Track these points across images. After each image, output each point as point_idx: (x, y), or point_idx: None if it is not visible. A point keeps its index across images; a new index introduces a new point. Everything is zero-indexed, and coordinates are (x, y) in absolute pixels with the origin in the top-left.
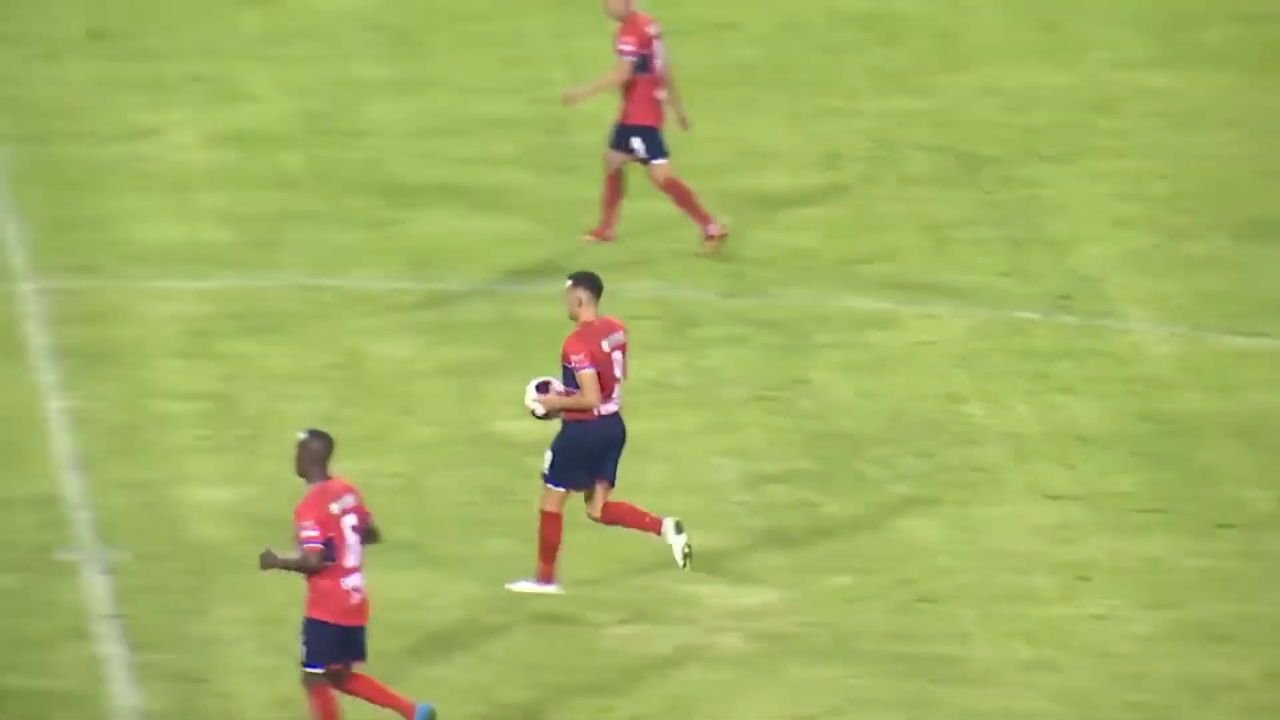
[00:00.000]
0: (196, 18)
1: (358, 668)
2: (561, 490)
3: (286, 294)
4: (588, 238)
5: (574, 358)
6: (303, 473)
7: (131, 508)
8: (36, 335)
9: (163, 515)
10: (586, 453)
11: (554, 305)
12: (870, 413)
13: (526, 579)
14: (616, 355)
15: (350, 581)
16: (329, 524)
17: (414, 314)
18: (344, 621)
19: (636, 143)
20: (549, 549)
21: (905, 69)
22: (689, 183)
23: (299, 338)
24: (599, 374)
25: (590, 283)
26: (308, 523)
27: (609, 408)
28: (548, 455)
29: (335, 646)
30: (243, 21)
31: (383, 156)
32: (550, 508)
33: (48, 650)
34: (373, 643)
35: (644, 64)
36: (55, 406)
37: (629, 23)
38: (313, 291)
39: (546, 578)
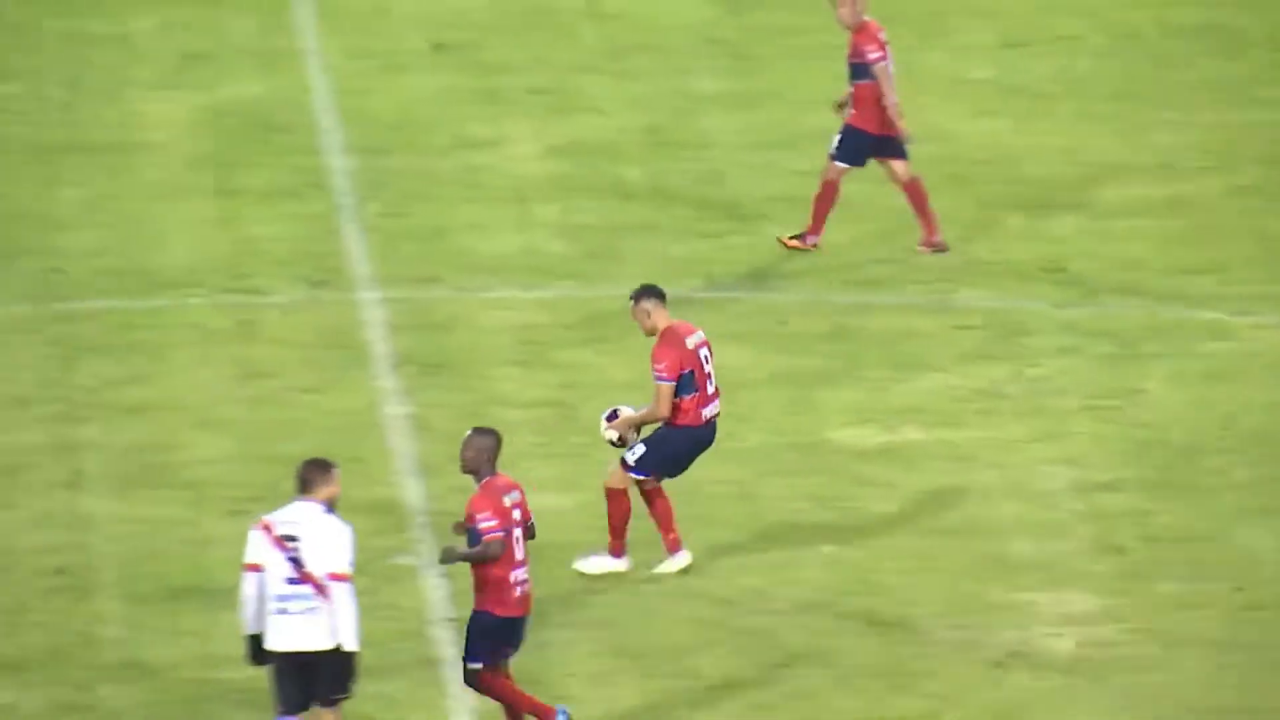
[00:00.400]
0: (536, 31)
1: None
2: (636, 477)
3: (622, 304)
4: (922, 249)
5: (656, 366)
6: (474, 469)
7: None
8: (378, 344)
9: None
10: (683, 455)
11: (888, 316)
12: (1201, 422)
13: (598, 555)
14: (704, 352)
15: (517, 575)
16: (504, 516)
17: (747, 323)
18: (510, 614)
19: (838, 139)
20: (620, 525)
21: (1241, 80)
22: (1026, 192)
23: (634, 347)
24: (693, 374)
25: (652, 292)
26: (485, 513)
27: (710, 411)
28: (639, 446)
29: (499, 637)
30: (582, 35)
31: (719, 168)
32: (617, 485)
33: (385, 652)
34: (713, 647)
35: (867, 70)
36: (395, 413)
37: (864, 30)
38: None
39: (618, 552)
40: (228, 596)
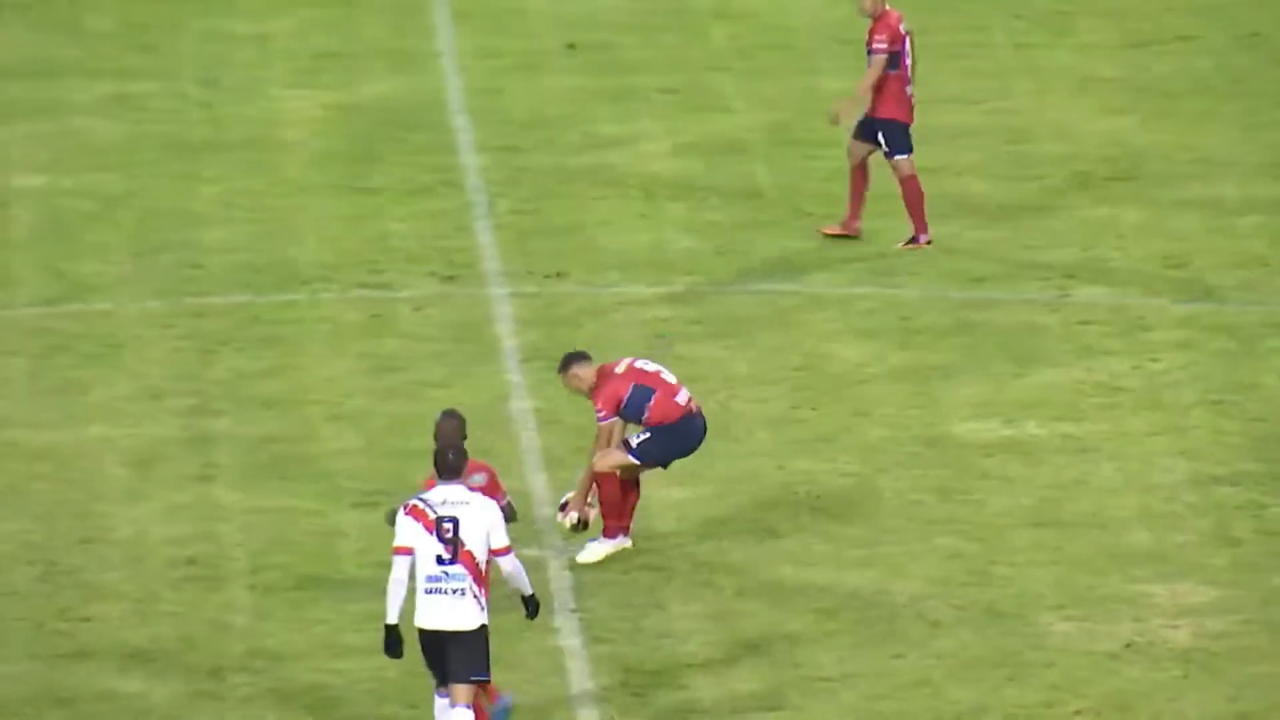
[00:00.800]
0: (668, 31)
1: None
2: (635, 462)
3: (748, 299)
4: (833, 230)
5: (596, 411)
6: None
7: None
8: (507, 338)
9: None
10: (683, 446)
11: (1009, 311)
12: None
13: (595, 542)
14: (637, 364)
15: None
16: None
17: (872, 319)
18: None
19: (881, 137)
20: (615, 504)
21: None
22: (1147, 189)
23: (759, 341)
24: (637, 386)
25: (572, 359)
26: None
27: (683, 397)
28: (645, 432)
29: None
30: (713, 35)
31: (845, 166)
32: (605, 469)
33: (512, 641)
34: (832, 637)
35: (894, 60)
36: (522, 407)
37: (882, 20)
38: (775, 297)
39: (613, 534)
40: (355, 587)
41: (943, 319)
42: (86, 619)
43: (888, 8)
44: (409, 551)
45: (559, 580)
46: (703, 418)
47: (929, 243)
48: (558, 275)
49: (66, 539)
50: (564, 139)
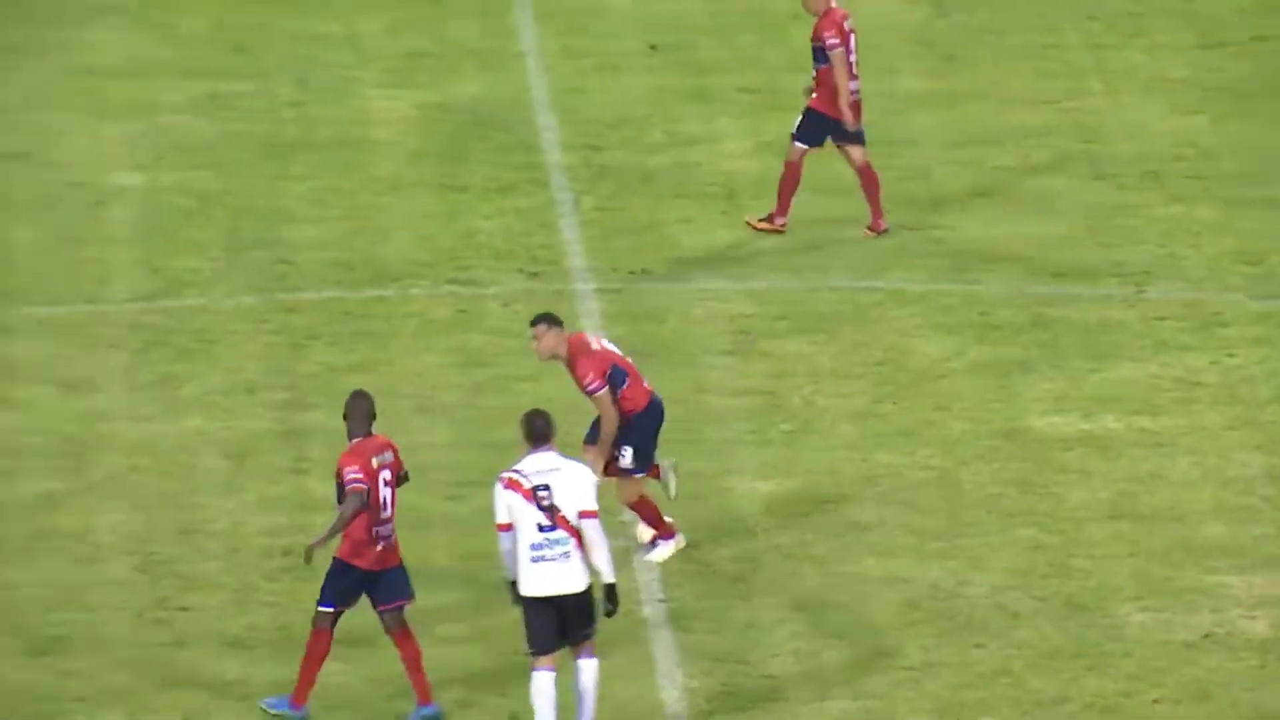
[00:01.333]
0: (747, 32)
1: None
2: (641, 476)
3: (831, 295)
4: (760, 225)
5: (585, 382)
6: (349, 429)
7: (682, 497)
8: (591, 333)
9: (710, 505)
10: (655, 426)
11: (1086, 307)
12: None
13: (660, 544)
14: (605, 343)
15: (380, 530)
16: (369, 473)
17: (952, 314)
18: (368, 566)
19: (800, 120)
20: (654, 518)
21: None
22: (1221, 187)
23: (842, 337)
24: (614, 366)
25: (549, 319)
26: (353, 468)
27: (647, 384)
28: (627, 451)
29: (354, 588)
30: (792, 36)
31: (925, 164)
32: (632, 496)
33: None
34: (915, 627)
35: (827, 55)
36: None
37: (826, 16)
38: (856, 293)
39: (668, 534)
40: (445, 578)
41: (1020, 315)
42: (185, 608)
43: (833, 5)
44: (509, 528)
45: (645, 571)
46: (661, 404)
47: (783, 227)
48: (642, 272)
49: (165, 530)
50: (646, 138)
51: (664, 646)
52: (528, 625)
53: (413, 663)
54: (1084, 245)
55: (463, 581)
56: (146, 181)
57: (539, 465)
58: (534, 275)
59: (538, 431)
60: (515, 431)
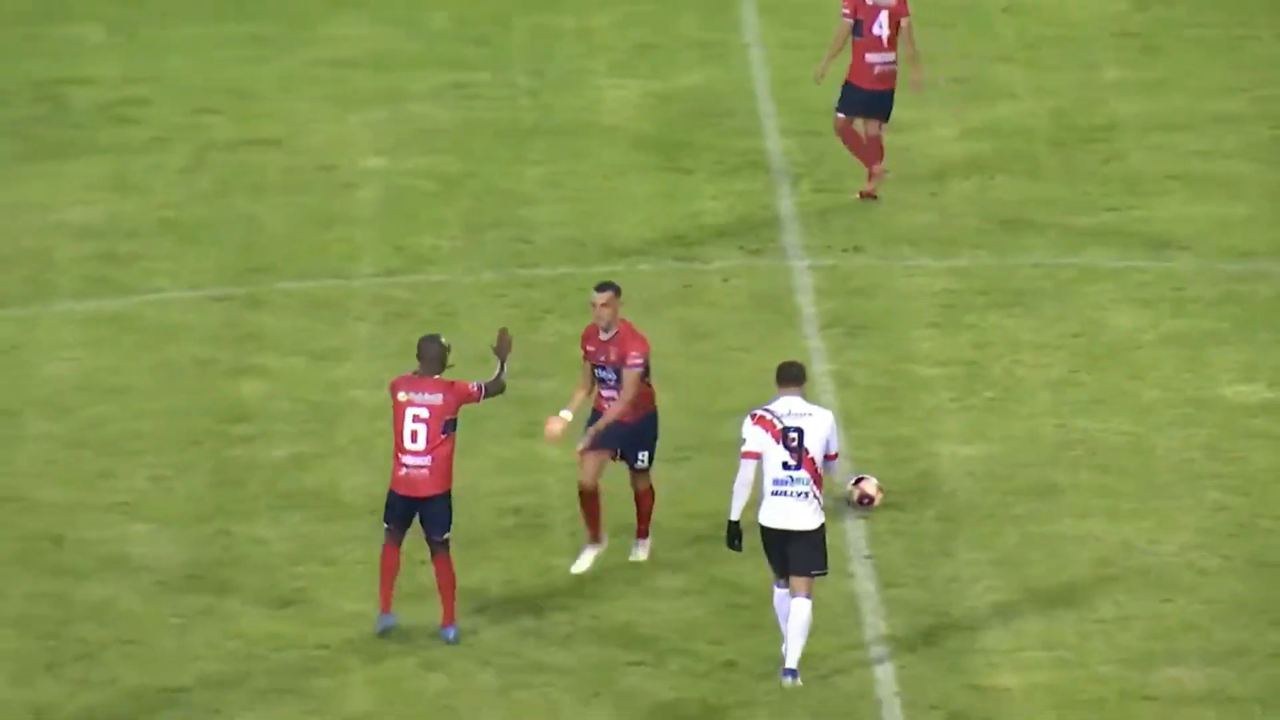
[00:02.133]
0: (959, 25)
1: (438, 554)
2: (647, 469)
3: (1031, 272)
4: (867, 191)
5: (633, 358)
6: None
7: (889, 461)
8: (807, 306)
9: (915, 468)
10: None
11: (1275, 283)
12: None
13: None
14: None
15: (406, 459)
16: (399, 406)
17: (1146, 290)
18: (395, 488)
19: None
20: (649, 515)
21: None
22: None
23: (1041, 311)
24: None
25: (618, 290)
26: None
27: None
28: (644, 454)
29: (395, 508)
30: (1001, 28)
31: (1122, 149)
32: (645, 486)
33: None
34: (1108, 583)
35: (858, 29)
36: (822, 369)
37: None
38: (1055, 269)
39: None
40: (666, 535)
41: (1211, 290)
42: (424, 562)
43: None
44: (757, 456)
45: (853, 529)
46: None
47: (885, 172)
48: (855, 249)
49: None
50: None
51: (870, 600)
52: (764, 550)
53: (444, 589)
54: (1272, 226)
55: (681, 539)
56: (391, 165)
57: (790, 408)
58: (754, 252)
59: (792, 375)
60: (735, 400)
